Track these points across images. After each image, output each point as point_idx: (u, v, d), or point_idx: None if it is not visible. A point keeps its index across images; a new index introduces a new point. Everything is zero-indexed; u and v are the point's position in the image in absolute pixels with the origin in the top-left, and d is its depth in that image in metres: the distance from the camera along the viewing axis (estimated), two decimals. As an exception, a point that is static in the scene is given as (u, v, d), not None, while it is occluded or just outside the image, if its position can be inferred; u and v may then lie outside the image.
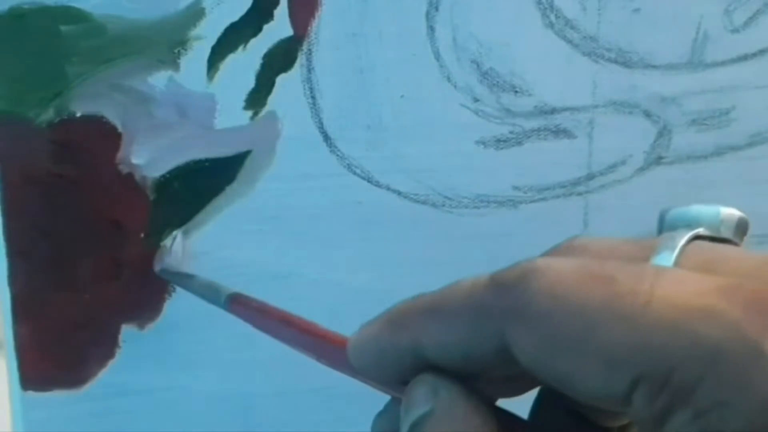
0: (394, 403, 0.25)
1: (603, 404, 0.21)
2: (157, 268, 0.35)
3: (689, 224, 0.24)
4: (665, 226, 0.25)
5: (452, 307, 0.23)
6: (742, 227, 0.25)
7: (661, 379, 0.19)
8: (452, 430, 0.23)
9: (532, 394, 0.24)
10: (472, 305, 0.22)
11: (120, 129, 0.34)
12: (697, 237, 0.23)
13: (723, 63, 0.36)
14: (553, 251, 0.24)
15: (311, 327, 0.27)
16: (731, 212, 0.25)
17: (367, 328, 0.25)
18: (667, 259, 0.22)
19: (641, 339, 0.20)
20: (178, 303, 0.35)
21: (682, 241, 0.22)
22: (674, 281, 0.20)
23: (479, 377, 0.23)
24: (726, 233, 0.24)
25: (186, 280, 0.35)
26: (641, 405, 0.19)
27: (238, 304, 0.31)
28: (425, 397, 0.23)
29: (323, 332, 0.27)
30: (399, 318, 0.24)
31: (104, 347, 0.36)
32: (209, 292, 0.33)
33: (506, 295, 0.22)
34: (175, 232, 0.35)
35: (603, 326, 0.20)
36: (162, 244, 0.35)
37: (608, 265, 0.21)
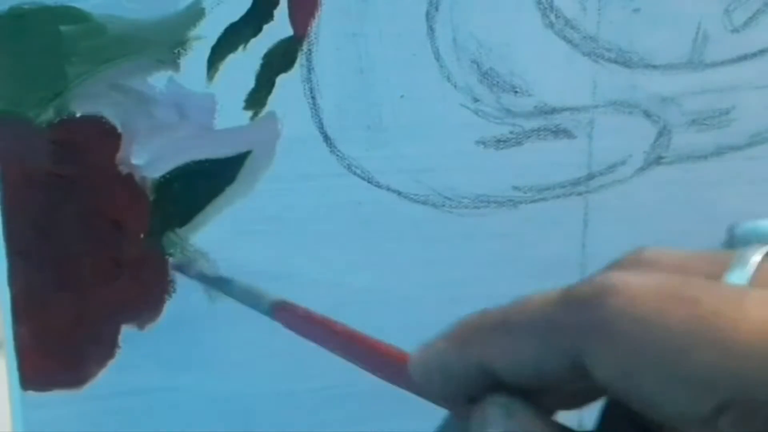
0: (455, 419, 0.24)
1: (683, 425, 0.20)
2: (192, 272, 0.35)
3: (762, 239, 0.24)
4: (737, 240, 0.24)
5: (523, 324, 0.22)
6: None
7: (753, 405, 0.19)
8: None
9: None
10: (545, 321, 0.22)
11: (120, 129, 0.34)
12: None
13: (723, 63, 0.36)
14: (621, 264, 0.23)
15: (365, 339, 0.27)
16: None
17: (431, 345, 0.24)
18: (740, 276, 0.21)
19: (733, 365, 0.19)
20: (179, 303, 0.35)
21: (757, 258, 0.22)
22: (760, 304, 0.20)
23: (545, 392, 0.23)
24: None
25: (224, 285, 0.34)
26: (728, 428, 0.19)
27: (284, 312, 0.31)
28: (500, 418, 0.23)
29: (378, 345, 0.26)
30: (466, 334, 0.24)
31: (104, 347, 0.35)
32: (250, 298, 0.33)
33: (582, 311, 0.21)
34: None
35: (691, 350, 0.20)
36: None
37: (690, 285, 0.21)
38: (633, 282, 0.21)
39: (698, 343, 0.20)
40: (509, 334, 0.22)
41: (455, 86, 0.35)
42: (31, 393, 0.35)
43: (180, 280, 0.35)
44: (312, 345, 0.36)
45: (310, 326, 0.29)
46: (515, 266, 0.37)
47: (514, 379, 0.23)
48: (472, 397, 0.23)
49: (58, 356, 0.35)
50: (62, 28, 0.33)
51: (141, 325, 0.35)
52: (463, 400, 0.23)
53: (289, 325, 0.30)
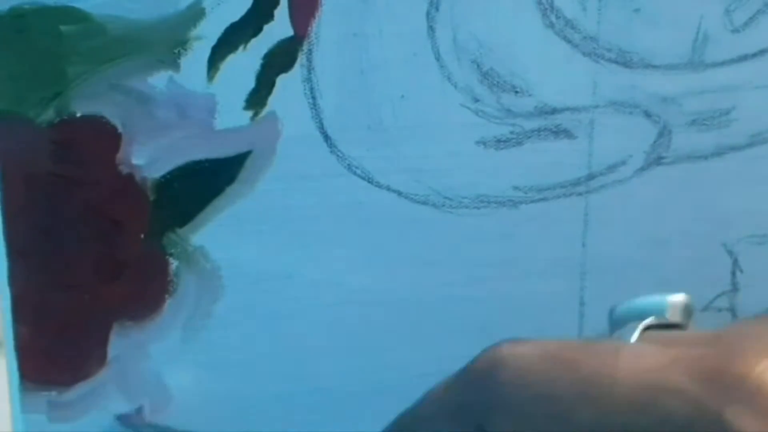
0: None
1: None
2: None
3: (639, 317, 0.25)
4: (614, 323, 0.26)
5: (435, 416, 0.24)
6: (688, 310, 0.26)
7: None
8: None
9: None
10: (451, 409, 0.24)
11: (120, 129, 0.33)
12: (648, 327, 0.24)
13: (723, 63, 0.35)
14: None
15: None
16: (677, 298, 0.26)
17: (430, 403, 0.25)
18: None
19: (612, 420, 0.21)
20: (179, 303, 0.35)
21: (635, 335, 0.23)
22: (634, 357, 0.21)
23: None
24: (674, 318, 0.25)
25: None
26: None
27: None
28: None
29: None
30: (467, 402, 0.24)
31: (104, 347, 0.35)
32: None
33: (479, 390, 0.23)
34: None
35: (574, 410, 0.21)
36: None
37: (570, 347, 0.22)
38: (519, 351, 0.23)
39: (581, 403, 0.21)
40: (432, 410, 0.24)
41: (456, 86, 0.34)
42: (31, 393, 0.34)
43: (181, 281, 0.34)
44: (312, 345, 0.35)
45: None
46: (515, 266, 0.36)
47: None
48: None
49: (58, 356, 0.35)
50: (62, 28, 0.32)
51: (141, 325, 0.35)
52: None
53: None
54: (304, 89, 0.34)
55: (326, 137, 0.34)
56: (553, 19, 0.34)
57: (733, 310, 0.37)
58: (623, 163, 0.36)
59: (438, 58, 0.34)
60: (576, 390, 0.21)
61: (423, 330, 0.37)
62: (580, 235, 0.36)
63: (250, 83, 0.33)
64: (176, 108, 0.33)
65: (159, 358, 0.35)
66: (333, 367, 0.36)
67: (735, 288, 0.37)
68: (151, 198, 0.34)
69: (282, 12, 0.33)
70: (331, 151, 0.34)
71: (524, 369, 0.22)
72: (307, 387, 0.36)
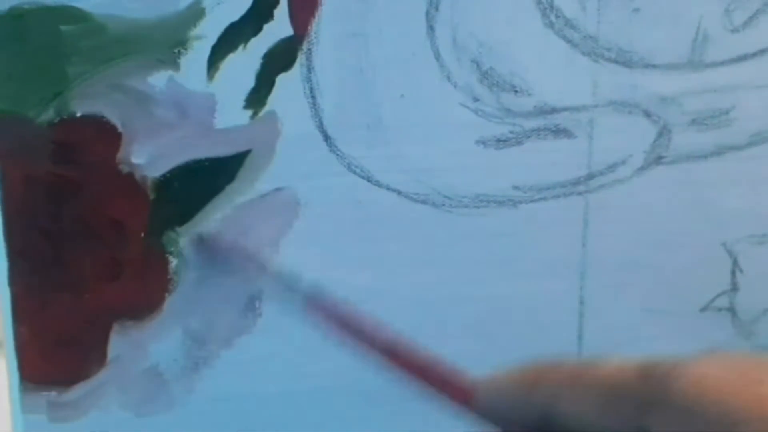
0: None
1: None
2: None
3: None
4: None
5: (597, 383, 0.23)
6: None
7: None
8: None
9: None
10: (618, 386, 0.23)
11: (120, 129, 0.33)
12: None
13: (723, 63, 0.35)
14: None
15: (423, 361, 0.27)
16: None
17: (500, 379, 0.25)
18: None
19: None
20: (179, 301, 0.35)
21: None
22: None
23: None
24: None
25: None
26: None
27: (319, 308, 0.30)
28: None
29: (440, 369, 0.27)
30: (536, 378, 0.25)
31: (104, 347, 0.35)
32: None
33: (653, 385, 0.22)
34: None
35: (748, 426, 0.21)
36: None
37: (756, 367, 0.22)
38: (704, 363, 0.22)
39: (756, 420, 0.21)
40: (581, 389, 0.24)
41: (455, 86, 0.34)
42: (31, 393, 0.34)
43: (181, 279, 0.34)
44: (311, 344, 0.35)
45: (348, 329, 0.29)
46: (515, 266, 0.36)
47: (575, 429, 0.24)
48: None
49: (58, 356, 0.35)
50: (62, 27, 0.32)
51: (141, 324, 0.35)
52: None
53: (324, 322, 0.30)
54: (304, 89, 0.33)
55: (326, 136, 0.34)
56: (553, 18, 0.34)
57: (732, 310, 0.37)
58: (623, 162, 0.35)
59: (437, 57, 0.34)
60: (755, 406, 0.21)
61: (423, 329, 0.36)
62: (580, 235, 0.36)
63: (250, 82, 0.33)
64: (176, 107, 0.33)
65: (159, 357, 0.35)
66: (332, 366, 0.36)
67: (735, 288, 0.37)
68: (152, 197, 0.34)
69: (282, 12, 0.33)
70: (330, 150, 0.34)
71: (707, 378, 0.22)
72: (307, 386, 0.36)
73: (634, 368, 0.23)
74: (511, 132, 0.35)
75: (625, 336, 0.36)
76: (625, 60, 0.35)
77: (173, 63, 0.33)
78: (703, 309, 0.37)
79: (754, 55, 0.35)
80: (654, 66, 0.35)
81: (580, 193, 0.36)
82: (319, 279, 0.34)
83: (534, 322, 0.37)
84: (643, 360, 0.24)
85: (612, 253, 0.36)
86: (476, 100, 0.34)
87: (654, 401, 0.23)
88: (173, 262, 0.34)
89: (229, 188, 0.34)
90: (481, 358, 0.25)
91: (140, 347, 0.35)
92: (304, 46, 0.33)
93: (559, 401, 0.24)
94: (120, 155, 0.33)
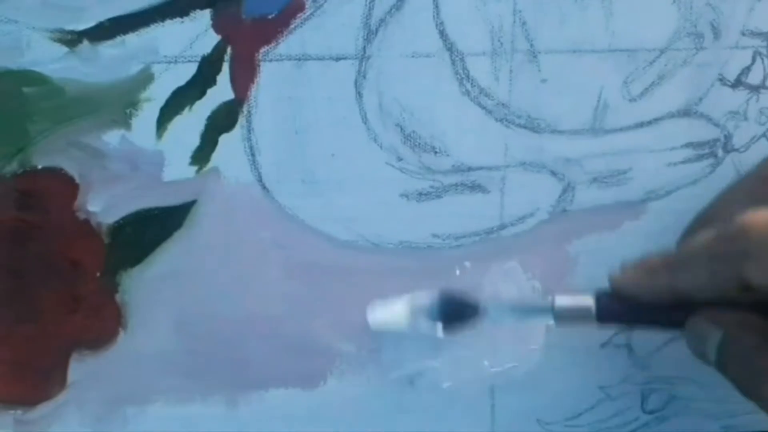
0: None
1: None
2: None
3: None
4: None
5: (696, 260, 0.30)
6: None
7: None
8: (747, 343, 0.30)
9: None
10: (711, 256, 0.30)
11: (77, 180, 0.35)
12: None
13: (621, 129, 0.37)
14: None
15: None
16: None
17: (626, 271, 0.33)
18: None
19: None
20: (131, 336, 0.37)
21: None
22: None
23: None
24: None
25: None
26: None
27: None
28: (714, 326, 0.31)
29: None
30: (653, 266, 0.32)
31: (64, 372, 0.37)
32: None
33: (734, 242, 0.29)
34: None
35: None
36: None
37: None
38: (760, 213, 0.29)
39: None
40: (687, 265, 0.31)
41: (381, 146, 0.36)
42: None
43: (133, 316, 0.36)
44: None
45: None
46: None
47: (698, 298, 0.31)
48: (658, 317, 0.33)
49: (24, 379, 0.37)
50: (25, 89, 0.34)
51: (97, 354, 0.37)
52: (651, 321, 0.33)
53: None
54: (244, 147, 0.35)
55: (264, 189, 0.36)
56: (469, 87, 0.36)
57: (629, 346, 0.40)
58: (531, 215, 0.37)
59: (365, 120, 0.36)
60: None
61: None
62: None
63: (195, 141, 0.35)
64: (128, 162, 0.35)
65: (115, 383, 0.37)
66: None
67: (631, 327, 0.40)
68: (106, 241, 0.36)
69: (224, 77, 0.35)
70: (269, 202, 0.36)
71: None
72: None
73: (715, 236, 0.30)
74: (431, 187, 0.37)
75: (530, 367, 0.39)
76: (533, 126, 0.37)
77: (125, 123, 0.35)
78: (604, 345, 0.39)
79: (650, 122, 0.37)
80: (560, 131, 0.37)
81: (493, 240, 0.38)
82: (253, 314, 0.37)
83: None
84: (718, 228, 0.30)
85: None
86: (400, 159, 0.36)
87: (741, 255, 0.29)
88: (127, 300, 0.36)
89: (177, 234, 0.36)
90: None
91: (97, 373, 0.37)
92: (245, 109, 0.35)
93: (678, 278, 0.31)
94: (77, 203, 0.35)
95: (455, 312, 0.35)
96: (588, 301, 0.33)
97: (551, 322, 0.34)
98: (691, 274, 0.31)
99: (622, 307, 0.33)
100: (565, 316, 0.34)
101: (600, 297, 0.34)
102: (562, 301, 0.34)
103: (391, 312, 0.35)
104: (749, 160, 0.38)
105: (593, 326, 0.34)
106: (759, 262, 0.28)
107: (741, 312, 0.31)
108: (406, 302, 0.35)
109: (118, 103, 0.34)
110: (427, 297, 0.35)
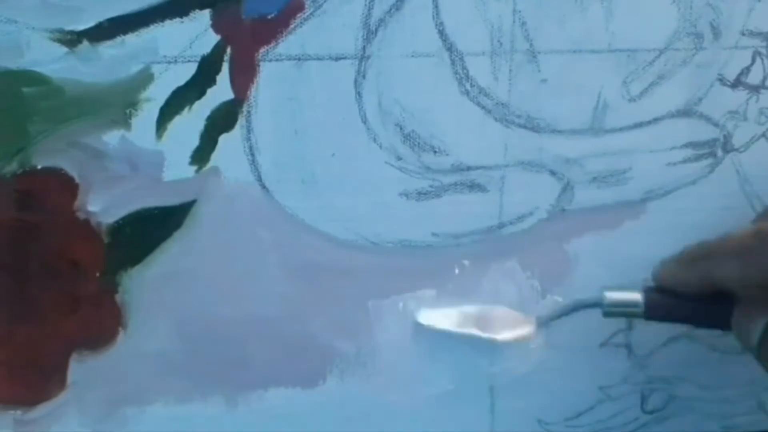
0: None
1: None
2: None
3: None
4: None
5: (732, 252, 0.32)
6: None
7: None
8: None
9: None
10: (745, 249, 0.32)
11: (77, 180, 0.35)
12: None
13: (621, 129, 0.37)
14: None
15: None
16: None
17: (668, 264, 0.35)
18: None
19: None
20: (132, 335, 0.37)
21: None
22: None
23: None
24: None
25: None
26: None
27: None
28: (757, 317, 0.32)
29: None
30: (692, 257, 0.34)
31: (64, 372, 0.37)
32: None
33: (764, 240, 0.31)
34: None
35: None
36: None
37: None
38: None
39: None
40: (724, 258, 0.32)
41: (380, 146, 0.36)
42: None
43: (133, 316, 0.36)
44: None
45: None
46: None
47: (732, 288, 0.32)
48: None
49: (24, 379, 0.36)
50: (24, 90, 0.34)
51: (97, 354, 0.37)
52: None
53: None
54: (244, 147, 0.35)
55: (264, 189, 0.36)
56: (468, 87, 0.36)
57: (629, 346, 0.40)
58: (530, 214, 0.37)
59: (365, 121, 0.36)
60: None
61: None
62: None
63: (195, 141, 0.35)
64: (128, 162, 0.35)
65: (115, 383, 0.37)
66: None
67: (630, 327, 0.38)
68: (106, 241, 0.35)
69: (223, 77, 0.34)
70: (268, 202, 0.36)
71: None
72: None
73: (751, 233, 0.32)
74: (430, 186, 0.37)
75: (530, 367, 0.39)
76: (533, 125, 0.36)
77: (125, 123, 0.34)
78: (602, 345, 0.39)
79: (649, 122, 0.37)
80: (559, 131, 0.37)
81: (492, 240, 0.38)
82: (254, 316, 0.37)
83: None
84: (755, 225, 0.33)
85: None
86: (399, 158, 0.36)
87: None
88: (127, 299, 0.36)
89: (176, 234, 0.36)
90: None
91: (97, 373, 0.37)
92: (244, 109, 0.35)
93: (715, 269, 0.32)
94: (77, 203, 0.35)
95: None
96: (636, 296, 0.35)
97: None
98: (725, 265, 0.32)
99: (668, 301, 0.34)
100: (615, 312, 0.35)
101: (648, 292, 0.35)
102: (612, 296, 0.35)
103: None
104: (749, 159, 0.38)
105: (641, 321, 0.35)
106: None
107: None
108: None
109: (118, 103, 0.34)
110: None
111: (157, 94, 0.34)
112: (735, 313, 0.33)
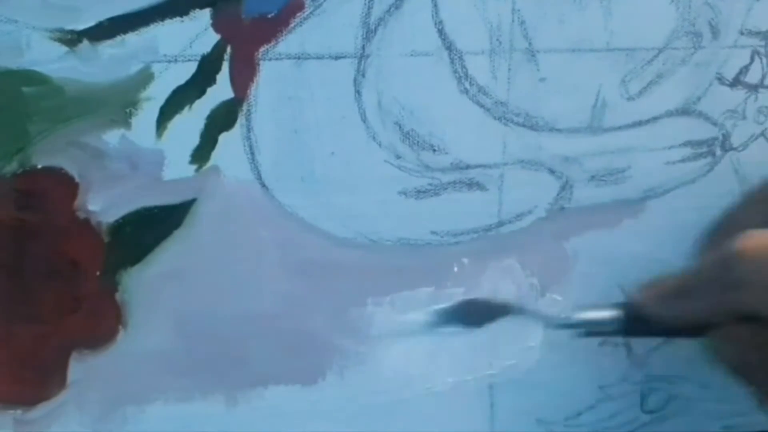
0: None
1: None
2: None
3: None
4: None
5: (699, 289, 0.31)
6: None
7: None
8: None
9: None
10: (710, 286, 0.30)
11: (77, 179, 0.35)
12: None
13: (619, 128, 0.37)
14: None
15: None
16: None
17: (643, 294, 0.34)
18: None
19: None
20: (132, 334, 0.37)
21: None
22: None
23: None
24: None
25: None
26: None
27: None
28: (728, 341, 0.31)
29: None
30: (664, 295, 0.33)
31: (64, 372, 0.36)
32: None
33: (729, 271, 0.29)
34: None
35: None
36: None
37: None
38: (760, 239, 0.29)
39: None
40: (692, 293, 0.31)
41: (380, 145, 0.36)
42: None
43: (133, 315, 0.36)
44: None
45: None
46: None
47: (708, 320, 0.31)
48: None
49: (24, 379, 0.36)
50: (24, 89, 0.33)
51: (97, 353, 0.37)
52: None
53: None
54: (244, 146, 0.35)
55: (264, 187, 0.36)
56: (467, 85, 0.36)
57: (628, 345, 0.39)
58: (529, 212, 0.37)
59: (364, 119, 0.36)
60: None
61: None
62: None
63: (195, 140, 0.35)
64: (128, 161, 0.35)
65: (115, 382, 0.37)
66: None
67: None
68: (106, 240, 0.35)
69: (223, 77, 0.34)
70: (268, 200, 0.36)
71: (760, 249, 0.28)
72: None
73: (711, 263, 0.30)
74: (429, 184, 0.37)
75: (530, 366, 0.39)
76: (532, 124, 0.37)
77: (125, 122, 0.34)
78: (602, 344, 0.39)
79: (648, 121, 0.37)
80: (558, 130, 0.37)
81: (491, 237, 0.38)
82: (259, 314, 0.37)
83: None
84: (719, 248, 0.30)
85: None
86: (398, 157, 0.36)
87: (734, 284, 0.29)
88: (127, 299, 0.36)
89: (176, 233, 0.36)
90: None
91: (97, 373, 0.37)
92: (244, 108, 0.35)
93: (685, 305, 0.31)
94: (77, 203, 0.35)
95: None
96: (613, 314, 0.34)
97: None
98: (697, 302, 0.31)
99: (644, 323, 0.34)
100: (593, 332, 0.35)
101: (626, 311, 0.34)
102: (587, 315, 0.35)
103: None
104: (747, 158, 0.38)
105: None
106: (751, 291, 0.28)
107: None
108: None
109: (117, 102, 0.34)
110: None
111: (157, 93, 0.34)
112: (710, 334, 0.32)
